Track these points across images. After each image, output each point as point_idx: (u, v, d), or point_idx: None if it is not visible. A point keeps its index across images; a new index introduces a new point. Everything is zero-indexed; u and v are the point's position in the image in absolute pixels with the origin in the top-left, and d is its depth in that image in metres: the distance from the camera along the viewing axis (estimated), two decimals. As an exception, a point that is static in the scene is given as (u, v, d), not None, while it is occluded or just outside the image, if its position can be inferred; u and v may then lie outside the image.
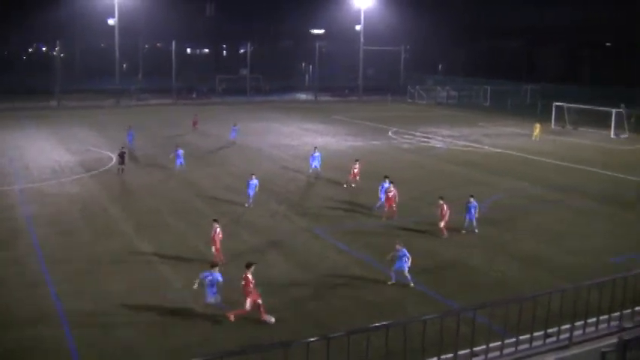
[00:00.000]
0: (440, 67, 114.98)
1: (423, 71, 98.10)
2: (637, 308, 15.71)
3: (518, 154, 44.31)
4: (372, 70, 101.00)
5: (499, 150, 45.93)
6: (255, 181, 28.07)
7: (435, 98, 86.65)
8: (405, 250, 19.54)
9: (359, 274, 20.56)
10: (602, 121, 56.64)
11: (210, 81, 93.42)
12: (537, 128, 52.18)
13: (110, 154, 40.19)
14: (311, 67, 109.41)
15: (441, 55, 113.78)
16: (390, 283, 19.53)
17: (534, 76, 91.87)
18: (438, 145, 47.56)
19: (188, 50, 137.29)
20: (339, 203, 29.14)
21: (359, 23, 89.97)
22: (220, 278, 16.88)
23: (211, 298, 16.88)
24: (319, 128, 56.14)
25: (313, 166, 34.34)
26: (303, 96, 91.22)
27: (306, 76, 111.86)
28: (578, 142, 50.83)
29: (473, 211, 24.82)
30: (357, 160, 32.87)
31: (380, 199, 27.36)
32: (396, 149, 45.33)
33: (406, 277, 19.45)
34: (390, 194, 26.29)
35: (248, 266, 16.80)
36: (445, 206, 24.35)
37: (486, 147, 47.34)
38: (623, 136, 54.54)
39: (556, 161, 41.71)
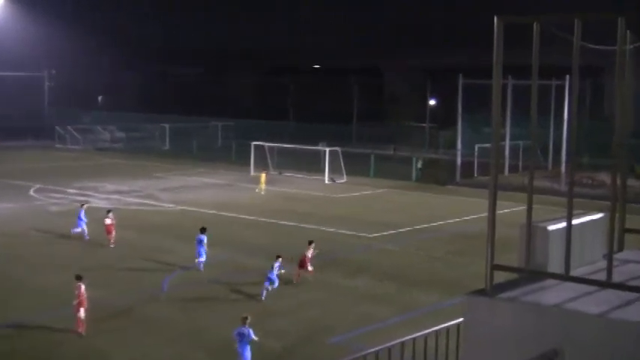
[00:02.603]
0: (100, 99, 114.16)
1: (78, 105, 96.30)
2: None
3: (209, 211, 44.95)
4: (3, 105, 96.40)
5: (183, 207, 46.44)
6: None
7: (95, 142, 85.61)
8: (249, 330, 20.26)
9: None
10: (315, 163, 60.42)
11: None
12: (263, 177, 53.85)
13: None
14: None
15: (101, 83, 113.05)
16: None
17: (225, 110, 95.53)
18: (102, 205, 46.40)
19: None
20: None
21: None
22: None
23: None
24: None
25: (80, 226, 36.39)
26: None
27: None
28: (284, 192, 53.39)
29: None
30: (109, 211, 36.32)
31: (199, 254, 30.75)
32: (41, 214, 43.31)
33: None
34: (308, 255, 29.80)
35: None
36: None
37: (166, 204, 47.62)
38: (339, 180, 58.71)
39: (259, 217, 43.12)
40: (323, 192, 54.30)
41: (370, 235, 38.91)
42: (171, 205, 47.21)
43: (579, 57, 7.30)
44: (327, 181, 58.68)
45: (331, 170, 59.42)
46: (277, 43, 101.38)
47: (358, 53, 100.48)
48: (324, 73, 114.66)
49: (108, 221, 35.36)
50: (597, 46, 8.34)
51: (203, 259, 30.99)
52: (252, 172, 61.76)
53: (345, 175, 59.68)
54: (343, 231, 39.83)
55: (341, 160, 60.25)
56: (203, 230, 31.49)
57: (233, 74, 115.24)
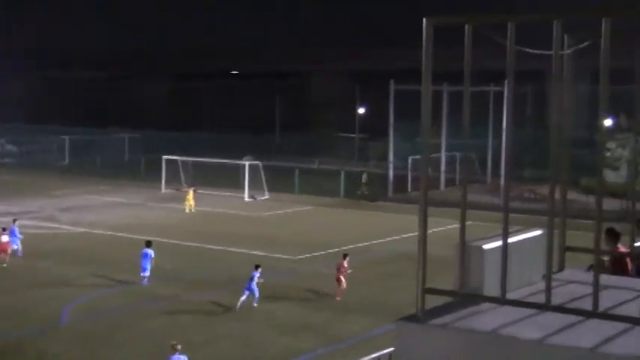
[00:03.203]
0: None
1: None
2: None
3: (116, 233, 44.57)
4: None
5: (86, 229, 46.07)
6: None
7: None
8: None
9: None
10: (233, 178, 60.31)
11: None
12: (191, 195, 53.76)
13: None
14: None
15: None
16: None
17: (132, 120, 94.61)
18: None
19: None
20: None
21: None
22: None
23: None
24: None
25: (15, 243, 37.64)
26: None
27: None
28: (200, 211, 53.12)
29: None
30: (4, 229, 37.21)
31: (143, 269, 32.92)
32: None
33: None
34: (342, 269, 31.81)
35: None
36: None
37: (66, 226, 47.15)
38: (261, 198, 58.68)
39: (171, 240, 42.81)
40: (243, 210, 54.21)
41: (295, 257, 38.97)
42: (72, 228, 46.64)
43: (517, 61, 7.48)
44: (247, 199, 58.59)
45: (252, 186, 59.37)
46: (190, 44, 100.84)
47: (280, 56, 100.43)
48: (243, 78, 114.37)
49: (4, 239, 36.21)
50: (533, 50, 8.57)
51: (147, 274, 32.97)
52: (163, 190, 61.34)
53: (266, 192, 59.66)
54: (265, 253, 39.73)
55: (262, 174, 60.21)
56: (148, 244, 33.71)
57: (140, 80, 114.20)
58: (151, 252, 33.20)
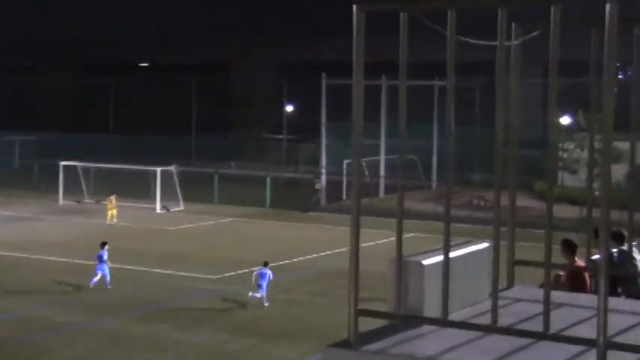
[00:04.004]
0: None
1: None
2: None
3: (6, 252, 44.00)
4: None
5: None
6: None
7: None
8: None
9: None
10: (142, 187, 59.90)
11: None
12: (112, 202, 53.94)
13: None
14: None
15: None
16: None
17: (24, 121, 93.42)
18: None
19: None
20: None
21: None
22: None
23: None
24: None
25: None
26: None
27: None
28: (105, 225, 52.66)
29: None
30: None
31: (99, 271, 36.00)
32: None
33: None
34: None
35: None
36: None
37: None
38: (175, 209, 58.40)
39: (73, 259, 42.44)
40: (154, 224, 53.90)
41: (214, 277, 38.85)
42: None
43: (465, 54, 7.60)
44: (159, 210, 58.32)
45: (164, 196, 59.03)
46: (94, 33, 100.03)
47: (197, 46, 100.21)
48: (154, 71, 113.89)
49: None
50: (477, 41, 8.70)
51: (105, 276, 36.10)
52: (61, 201, 60.68)
53: (181, 202, 59.38)
54: (179, 272, 39.62)
55: (176, 182, 59.91)
56: (103, 245, 36.73)
57: (34, 73, 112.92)
58: (104, 253, 36.33)
